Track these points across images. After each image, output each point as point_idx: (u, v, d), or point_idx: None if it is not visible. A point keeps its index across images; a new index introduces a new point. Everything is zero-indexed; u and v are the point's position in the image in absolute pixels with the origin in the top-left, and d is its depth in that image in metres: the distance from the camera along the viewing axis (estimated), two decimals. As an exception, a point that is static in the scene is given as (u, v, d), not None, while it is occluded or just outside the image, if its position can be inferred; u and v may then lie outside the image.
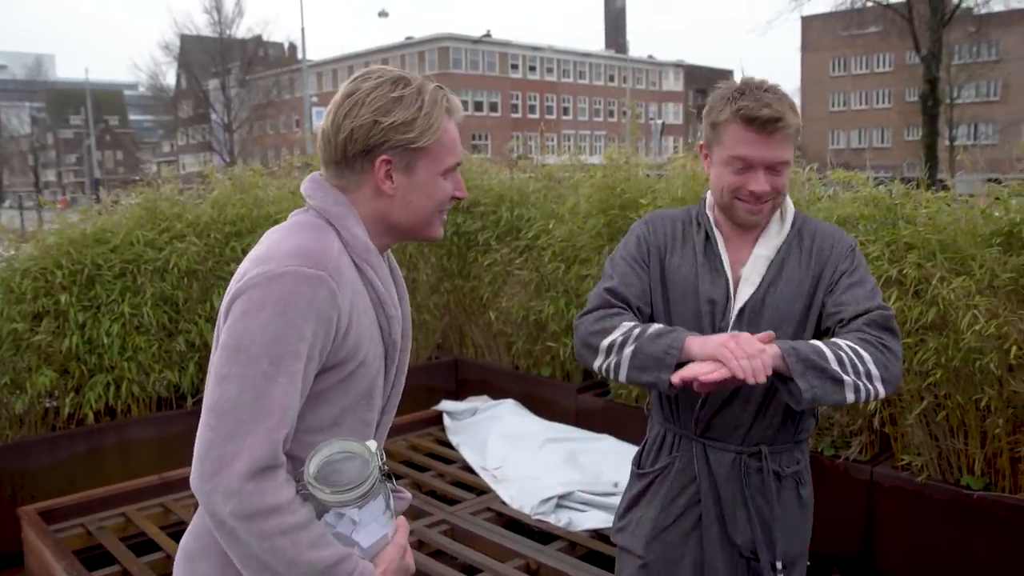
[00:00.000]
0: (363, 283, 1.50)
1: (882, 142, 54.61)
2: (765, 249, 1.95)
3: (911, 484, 3.51)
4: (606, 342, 1.87)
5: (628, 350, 1.83)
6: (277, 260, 1.38)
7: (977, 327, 3.10)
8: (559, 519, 3.63)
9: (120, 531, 3.76)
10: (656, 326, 1.85)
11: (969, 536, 3.35)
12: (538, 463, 4.09)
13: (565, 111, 62.37)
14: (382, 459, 1.49)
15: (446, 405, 5.09)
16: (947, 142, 35.84)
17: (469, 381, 5.64)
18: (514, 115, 57.88)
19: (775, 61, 36.38)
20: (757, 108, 1.81)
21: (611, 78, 65.50)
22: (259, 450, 1.32)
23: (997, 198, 3.39)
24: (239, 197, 4.98)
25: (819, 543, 3.96)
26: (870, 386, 1.76)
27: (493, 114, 56.78)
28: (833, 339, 1.81)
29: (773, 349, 1.73)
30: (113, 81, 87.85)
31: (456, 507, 3.87)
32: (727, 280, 1.96)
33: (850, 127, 57.08)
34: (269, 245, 1.45)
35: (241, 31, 51.75)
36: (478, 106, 56.02)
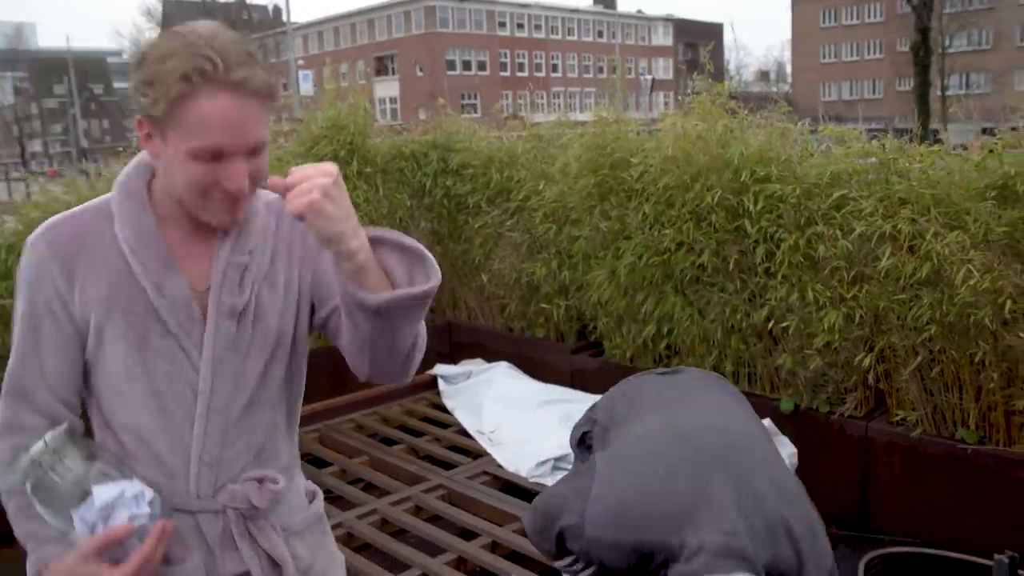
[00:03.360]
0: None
1: (874, 93, 54.25)
2: None
3: (906, 439, 3.52)
4: None
5: None
6: None
7: (971, 282, 3.08)
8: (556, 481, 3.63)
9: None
10: None
11: (963, 489, 3.37)
12: (533, 425, 4.08)
13: (554, 68, 61.70)
14: (52, 437, 1.26)
15: (440, 369, 5.08)
16: (939, 92, 35.61)
17: (463, 344, 5.63)
18: (503, 73, 57.18)
19: (766, 13, 35.96)
20: None
21: (600, 34, 64.74)
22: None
23: (991, 150, 3.35)
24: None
25: (815, 499, 4.00)
26: None
27: (482, 73, 56.08)
28: None
29: None
30: (96, 48, 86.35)
31: (453, 471, 3.87)
32: None
33: (841, 79, 56.64)
34: None
35: (224, -6, 50.93)
36: (466, 65, 55.30)
